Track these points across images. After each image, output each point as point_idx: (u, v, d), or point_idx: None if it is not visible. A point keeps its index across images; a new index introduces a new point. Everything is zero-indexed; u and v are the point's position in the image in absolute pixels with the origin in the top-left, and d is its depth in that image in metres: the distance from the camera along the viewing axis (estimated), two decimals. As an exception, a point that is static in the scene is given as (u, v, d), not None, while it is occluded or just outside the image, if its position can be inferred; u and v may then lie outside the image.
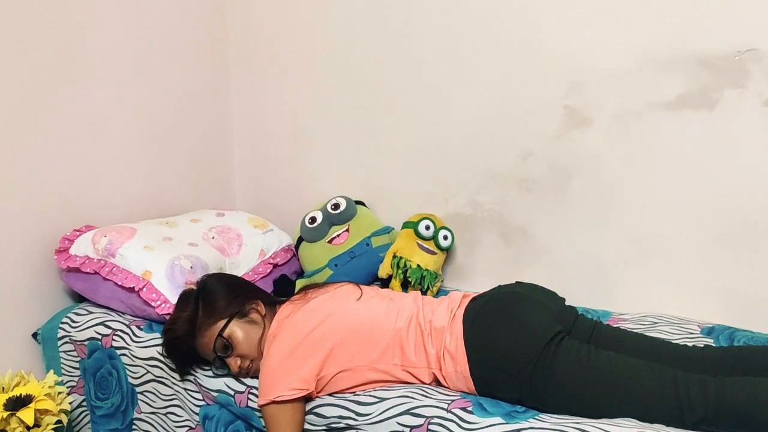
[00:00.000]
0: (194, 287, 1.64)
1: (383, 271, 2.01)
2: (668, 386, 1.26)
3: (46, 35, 1.84)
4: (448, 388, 1.43)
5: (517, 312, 1.42)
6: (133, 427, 1.73)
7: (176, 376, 1.62)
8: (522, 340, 1.35)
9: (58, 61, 1.88)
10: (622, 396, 1.28)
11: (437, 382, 1.45)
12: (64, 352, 1.83)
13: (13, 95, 1.77)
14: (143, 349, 1.69)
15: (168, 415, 1.67)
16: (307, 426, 1.42)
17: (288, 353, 1.43)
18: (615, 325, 1.59)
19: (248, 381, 1.52)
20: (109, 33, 2.01)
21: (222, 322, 1.52)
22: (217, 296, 1.56)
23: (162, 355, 1.63)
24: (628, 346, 1.42)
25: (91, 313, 1.83)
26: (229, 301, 1.55)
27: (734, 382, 1.24)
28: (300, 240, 2.14)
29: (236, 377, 1.54)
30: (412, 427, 1.31)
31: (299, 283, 2.04)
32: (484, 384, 1.38)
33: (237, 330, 1.52)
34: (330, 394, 1.45)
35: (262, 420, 1.44)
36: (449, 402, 1.33)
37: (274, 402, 1.39)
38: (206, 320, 1.53)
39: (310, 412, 1.42)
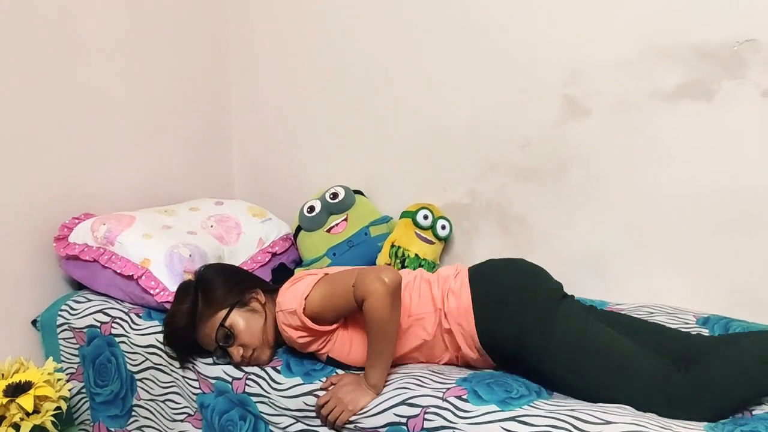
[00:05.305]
0: (192, 278, 1.65)
1: (381, 260, 2.01)
2: (658, 371, 1.28)
3: (44, 24, 1.83)
4: (449, 330, 1.45)
5: (523, 266, 1.54)
6: (132, 413, 1.74)
7: (175, 363, 1.63)
8: (528, 283, 1.46)
9: (57, 50, 1.87)
10: (613, 371, 1.31)
11: (440, 329, 1.47)
12: (64, 339, 1.84)
13: (12, 84, 1.77)
14: (142, 337, 1.70)
15: (167, 402, 1.68)
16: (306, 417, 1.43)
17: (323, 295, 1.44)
18: (611, 314, 1.62)
19: (247, 368, 1.53)
20: (108, 22, 2.00)
21: (223, 312, 1.52)
22: (215, 286, 1.57)
23: (162, 344, 1.64)
24: (623, 327, 1.44)
25: (90, 300, 1.84)
26: (228, 290, 1.56)
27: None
28: (299, 229, 2.15)
29: (237, 366, 1.55)
30: (408, 417, 1.32)
31: (297, 272, 2.04)
32: (483, 318, 1.42)
33: (238, 319, 1.52)
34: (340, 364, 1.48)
35: (258, 405, 1.45)
36: (444, 390, 1.34)
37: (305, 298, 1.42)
38: (206, 311, 1.53)
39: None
